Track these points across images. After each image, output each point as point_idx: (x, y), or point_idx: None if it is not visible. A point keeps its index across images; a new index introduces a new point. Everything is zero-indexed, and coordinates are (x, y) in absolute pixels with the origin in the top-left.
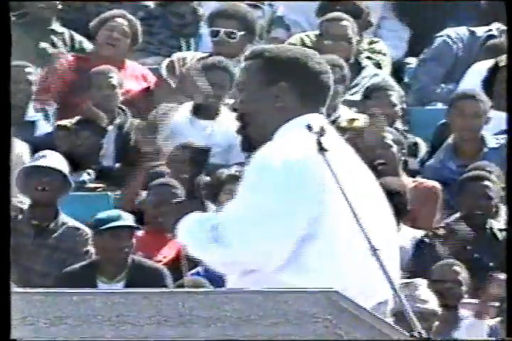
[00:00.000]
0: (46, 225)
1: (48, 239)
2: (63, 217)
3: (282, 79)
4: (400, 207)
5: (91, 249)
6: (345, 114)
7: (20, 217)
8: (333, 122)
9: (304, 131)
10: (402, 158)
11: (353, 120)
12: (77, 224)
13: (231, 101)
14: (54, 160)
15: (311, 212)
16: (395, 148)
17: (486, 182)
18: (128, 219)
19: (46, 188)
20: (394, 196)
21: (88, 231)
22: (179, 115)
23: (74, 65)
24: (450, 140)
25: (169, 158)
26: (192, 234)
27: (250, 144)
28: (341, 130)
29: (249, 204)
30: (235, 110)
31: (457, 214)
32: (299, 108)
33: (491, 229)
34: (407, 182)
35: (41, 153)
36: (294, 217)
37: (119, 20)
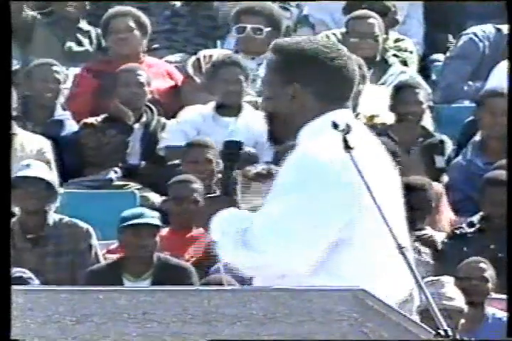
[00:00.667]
0: (40, 234)
1: (46, 247)
2: (53, 218)
3: (297, 79)
4: (424, 203)
5: (94, 242)
6: (365, 110)
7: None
8: None
9: (333, 130)
10: (397, 167)
11: (373, 117)
12: (69, 221)
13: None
14: (39, 169)
15: (345, 217)
16: None
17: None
18: (150, 217)
19: (33, 198)
20: (419, 192)
21: (84, 225)
22: (202, 113)
23: (97, 70)
24: (477, 137)
25: (183, 157)
26: (222, 235)
27: (276, 140)
28: None
29: (283, 209)
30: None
31: (481, 213)
32: (320, 106)
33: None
34: None
35: (25, 162)
36: (329, 223)
37: (120, 19)
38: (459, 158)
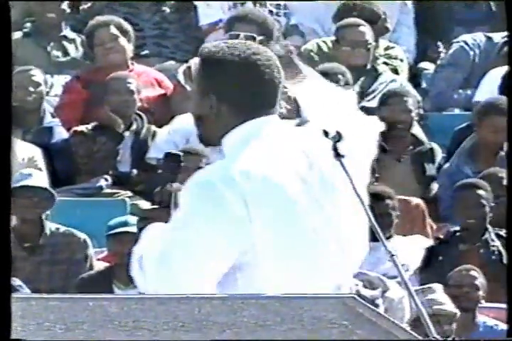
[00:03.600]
0: (37, 243)
1: (42, 256)
2: (50, 227)
3: (214, 89)
4: (390, 212)
5: (90, 253)
6: None
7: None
8: None
9: (257, 139)
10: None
11: None
12: (67, 230)
13: None
14: (39, 178)
15: (239, 244)
16: None
17: (478, 191)
18: (134, 225)
19: (34, 207)
20: (385, 201)
21: (82, 235)
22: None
23: (86, 78)
24: (465, 144)
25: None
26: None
27: (205, 143)
28: None
29: (173, 239)
30: None
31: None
32: (240, 115)
33: (486, 240)
34: None
35: (25, 171)
36: (221, 253)
37: (102, 29)
38: (448, 164)
